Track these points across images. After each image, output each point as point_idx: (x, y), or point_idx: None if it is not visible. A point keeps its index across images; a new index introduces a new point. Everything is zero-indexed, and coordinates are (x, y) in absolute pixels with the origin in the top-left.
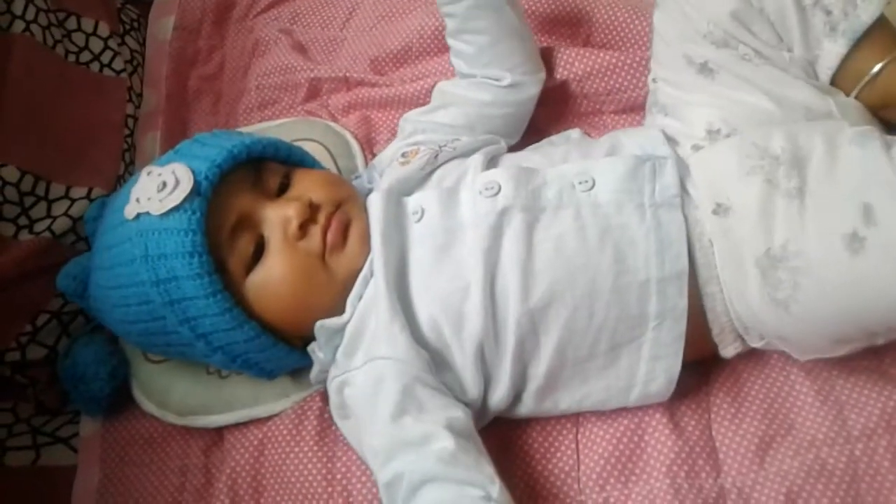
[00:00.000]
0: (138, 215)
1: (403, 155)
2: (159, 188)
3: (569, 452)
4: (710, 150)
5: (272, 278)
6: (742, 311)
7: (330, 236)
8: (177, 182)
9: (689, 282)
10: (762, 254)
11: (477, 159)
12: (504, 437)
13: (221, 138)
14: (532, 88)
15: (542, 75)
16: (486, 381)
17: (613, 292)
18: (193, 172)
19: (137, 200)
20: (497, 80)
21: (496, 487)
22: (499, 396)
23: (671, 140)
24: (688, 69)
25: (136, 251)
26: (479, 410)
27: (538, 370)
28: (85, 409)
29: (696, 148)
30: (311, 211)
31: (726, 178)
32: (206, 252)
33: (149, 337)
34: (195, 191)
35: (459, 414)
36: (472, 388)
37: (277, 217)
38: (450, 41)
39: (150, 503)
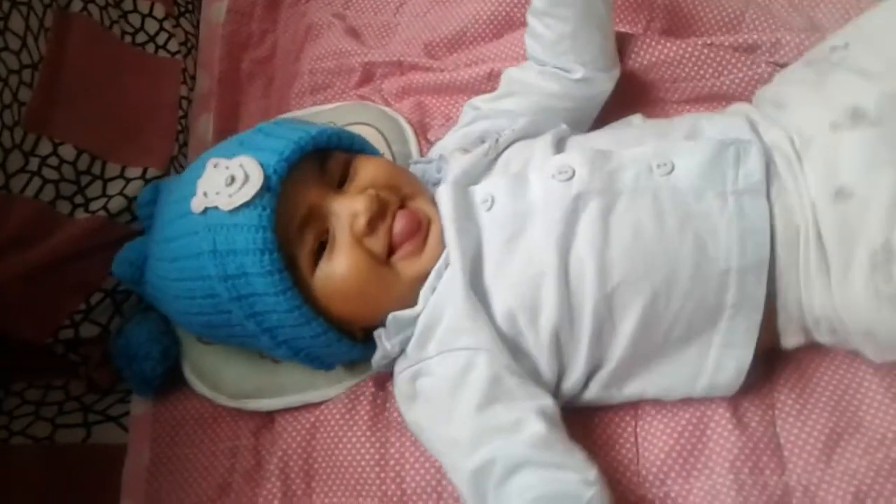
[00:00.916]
0: (206, 209)
1: (464, 149)
2: (227, 182)
3: (627, 445)
4: (850, 134)
5: (337, 275)
6: (822, 305)
7: (406, 245)
8: (246, 177)
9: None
10: (879, 245)
11: (546, 140)
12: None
13: (286, 129)
14: (604, 85)
15: (617, 72)
16: (561, 368)
17: (692, 280)
18: (262, 166)
19: (205, 194)
20: (569, 72)
21: (593, 472)
22: (572, 382)
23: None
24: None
25: (203, 245)
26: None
27: (613, 355)
28: (136, 389)
29: (835, 126)
30: (380, 205)
31: (858, 166)
32: (277, 249)
33: (211, 329)
34: (265, 186)
35: (549, 402)
36: (547, 375)
37: (346, 210)
38: (531, 20)
39: (199, 483)
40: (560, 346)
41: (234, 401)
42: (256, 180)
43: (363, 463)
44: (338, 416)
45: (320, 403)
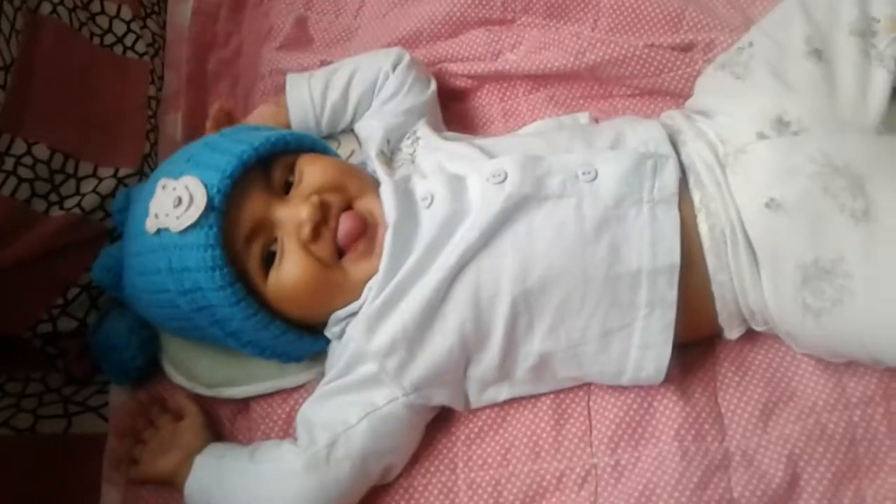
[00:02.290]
0: (159, 230)
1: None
2: (175, 204)
3: (581, 418)
4: (775, 143)
5: (289, 281)
6: (755, 301)
7: (342, 242)
8: (191, 198)
9: (698, 270)
10: (810, 261)
11: (469, 147)
12: (518, 402)
13: (231, 140)
14: (404, 56)
15: (395, 50)
16: (469, 354)
17: (606, 279)
18: (206, 186)
19: (156, 216)
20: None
21: None
22: (483, 368)
23: (683, 132)
24: (797, 46)
25: (160, 263)
26: (461, 382)
27: (532, 348)
28: (115, 379)
29: (761, 136)
30: (323, 211)
31: (785, 176)
32: (227, 264)
33: (183, 331)
34: (209, 206)
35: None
36: (449, 361)
37: (291, 220)
38: (360, 125)
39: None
40: (465, 336)
41: (210, 389)
42: (200, 201)
43: None
44: None
45: (294, 391)
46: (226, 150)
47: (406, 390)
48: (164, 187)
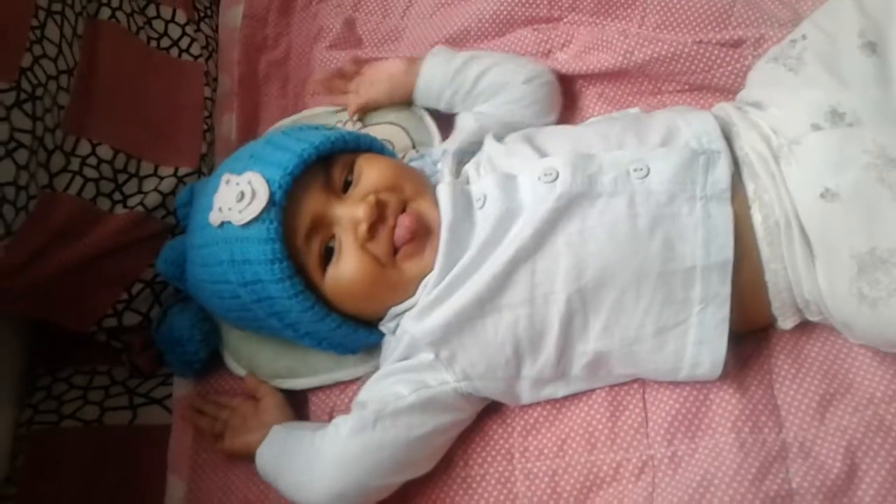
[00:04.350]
0: (222, 223)
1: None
2: (238, 198)
3: (637, 410)
4: (830, 134)
5: (345, 278)
6: (810, 291)
7: (406, 246)
8: (253, 193)
9: (751, 261)
10: (865, 251)
11: (522, 142)
12: (573, 395)
13: (292, 140)
14: (546, 75)
15: (547, 67)
16: (523, 353)
17: (660, 277)
18: (268, 182)
19: (220, 210)
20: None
21: None
22: (540, 365)
23: (738, 122)
24: (850, 39)
25: (222, 255)
26: (513, 380)
27: (587, 347)
28: (179, 372)
29: (816, 128)
30: (380, 210)
31: (840, 166)
32: (286, 258)
33: (243, 322)
34: (271, 201)
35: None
36: (501, 359)
37: (347, 218)
38: (463, 115)
39: (241, 459)
40: (518, 335)
41: (269, 381)
42: (263, 196)
43: None
44: None
45: (352, 383)
46: (287, 147)
47: (458, 377)
48: (227, 182)
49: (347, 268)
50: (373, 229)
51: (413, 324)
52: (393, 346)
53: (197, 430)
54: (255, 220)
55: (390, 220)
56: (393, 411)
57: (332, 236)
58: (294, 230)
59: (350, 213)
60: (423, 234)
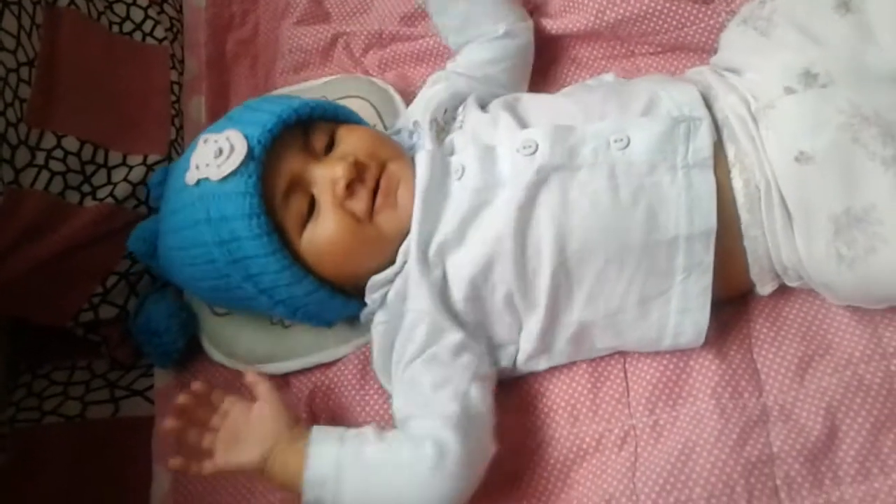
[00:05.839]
0: (199, 181)
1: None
2: (216, 154)
3: (618, 381)
4: (803, 97)
5: (323, 237)
6: (788, 257)
7: (378, 198)
8: (232, 148)
9: (731, 228)
10: (841, 211)
11: (502, 111)
12: (555, 369)
13: (271, 103)
14: (525, 34)
15: (531, 23)
16: (519, 327)
17: (643, 247)
18: (247, 138)
19: (197, 167)
20: (491, 33)
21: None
22: (532, 339)
23: (717, 86)
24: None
25: (198, 214)
26: (513, 356)
27: (571, 318)
28: (158, 362)
29: (789, 91)
30: (358, 170)
31: (814, 128)
32: (264, 213)
33: (216, 293)
34: (249, 155)
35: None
36: (505, 334)
37: (326, 177)
38: (436, 20)
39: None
40: (515, 307)
41: (250, 366)
42: (241, 150)
43: (377, 419)
44: (350, 377)
45: (332, 364)
46: (266, 109)
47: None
48: (205, 141)
49: (325, 225)
50: (350, 187)
51: (433, 305)
52: (393, 325)
53: (181, 450)
54: (234, 173)
55: (369, 182)
56: (465, 402)
57: (311, 196)
58: (272, 188)
59: (328, 173)
60: (400, 190)
